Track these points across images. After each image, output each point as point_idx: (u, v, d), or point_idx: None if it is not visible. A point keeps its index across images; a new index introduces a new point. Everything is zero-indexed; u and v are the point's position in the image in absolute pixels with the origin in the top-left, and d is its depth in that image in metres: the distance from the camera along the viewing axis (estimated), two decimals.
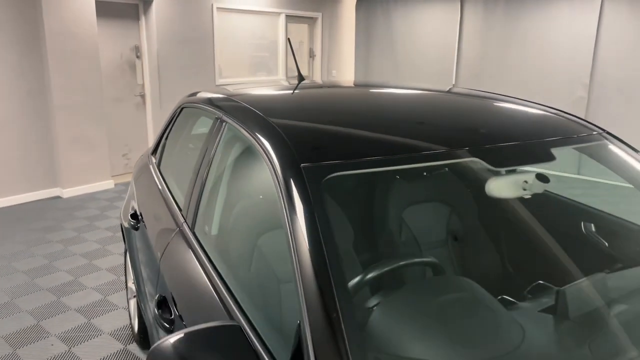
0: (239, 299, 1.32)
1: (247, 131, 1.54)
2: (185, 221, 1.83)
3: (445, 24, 7.59)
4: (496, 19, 7.13)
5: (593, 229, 2.01)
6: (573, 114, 1.92)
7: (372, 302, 1.27)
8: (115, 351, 2.82)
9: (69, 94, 5.34)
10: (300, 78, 2.46)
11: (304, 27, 8.42)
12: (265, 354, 1.11)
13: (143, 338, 2.74)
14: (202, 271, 1.52)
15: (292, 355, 1.03)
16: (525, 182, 1.40)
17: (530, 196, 1.43)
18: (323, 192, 1.22)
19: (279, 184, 1.26)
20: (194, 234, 1.73)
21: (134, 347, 2.85)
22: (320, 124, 1.54)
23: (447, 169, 2.01)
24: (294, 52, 2.55)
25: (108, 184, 5.82)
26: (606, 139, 1.74)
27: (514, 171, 1.48)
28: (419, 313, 1.22)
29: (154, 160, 2.69)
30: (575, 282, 1.36)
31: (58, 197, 5.51)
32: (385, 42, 8.31)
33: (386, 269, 1.34)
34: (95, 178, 5.71)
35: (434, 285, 1.37)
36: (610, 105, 6.39)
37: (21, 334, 2.97)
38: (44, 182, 5.46)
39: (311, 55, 8.59)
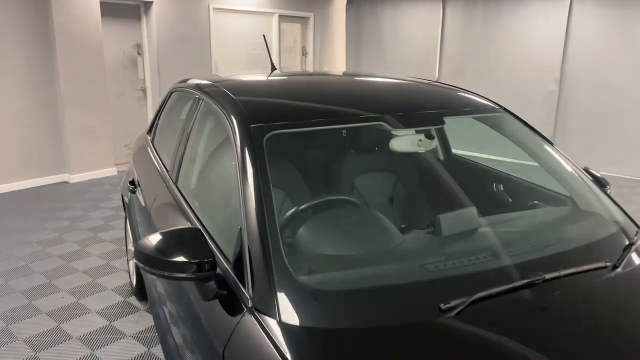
0: (202, 220, 1.81)
1: (216, 105, 2.01)
2: (171, 178, 2.31)
3: (429, 23, 8.04)
4: (475, 19, 7.59)
5: (502, 188, 2.48)
6: (495, 101, 2.39)
7: (290, 216, 1.75)
8: (117, 302, 3.30)
9: (76, 87, 5.84)
10: (273, 68, 2.94)
11: (296, 27, 8.89)
12: (217, 250, 1.60)
13: (140, 291, 3.22)
14: (180, 208, 2.00)
15: (235, 251, 1.52)
16: (420, 140, 1.87)
17: (423, 150, 1.91)
18: (265, 145, 1.69)
19: (234, 140, 1.74)
20: (177, 187, 2.21)
21: (132, 300, 3.33)
22: (271, 98, 2.03)
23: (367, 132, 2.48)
24: (269, 47, 3.02)
25: (111, 171, 6.32)
26: (504, 113, 2.21)
27: (417, 131, 1.95)
28: (328, 224, 1.70)
29: (148, 138, 3.17)
30: (456, 211, 1.83)
31: (66, 182, 6.00)
32: (373, 40, 8.77)
33: (313, 202, 1.82)
34: (100, 165, 6.21)
35: (346, 212, 1.85)
36: (579, 97, 6.84)
37: (36, 289, 3.45)
38: (53, 168, 5.95)
39: (304, 53, 9.07)
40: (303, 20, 8.90)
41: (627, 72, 6.40)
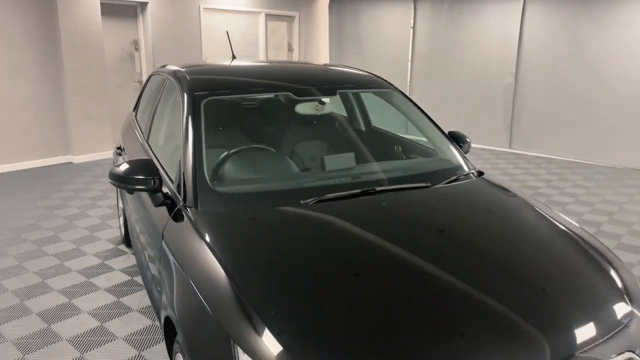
0: (159, 158, 2.59)
1: (176, 81, 2.78)
2: (144, 137, 3.09)
3: (401, 23, 8.79)
4: (441, 20, 8.34)
5: (400, 149, 3.23)
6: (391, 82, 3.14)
7: (221, 156, 2.52)
8: (110, 248, 4.09)
9: (79, 79, 6.63)
10: (233, 57, 3.70)
11: (283, 25, 9.65)
12: (165, 175, 2.38)
13: (126, 239, 4.00)
14: (146, 153, 2.78)
15: (176, 175, 2.28)
16: (316, 106, 2.64)
17: (319, 113, 2.68)
18: (202, 107, 2.46)
19: (182, 104, 2.51)
20: (147, 142, 2.99)
21: (122, 247, 4.11)
22: (214, 76, 2.80)
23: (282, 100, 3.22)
24: (231, 41, 3.76)
25: (110, 153, 7.11)
26: (396, 91, 2.96)
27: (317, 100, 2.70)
28: (242, 160, 2.47)
29: (133, 114, 3.95)
30: (339, 155, 2.59)
31: (70, 162, 6.81)
32: (353, 37, 9.53)
33: (240, 148, 2.59)
34: (100, 148, 7.00)
35: (259, 154, 2.62)
36: (533, 88, 7.57)
37: (43, 240, 4.24)
38: (59, 150, 6.76)
39: (290, 49, 9.83)
40: (289, 18, 9.66)
41: (574, 66, 7.12)
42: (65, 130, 6.77)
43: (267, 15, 9.10)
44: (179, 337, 1.74)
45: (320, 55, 10.07)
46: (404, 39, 8.82)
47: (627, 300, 1.78)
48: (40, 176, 6.13)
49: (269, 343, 1.43)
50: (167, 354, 2.30)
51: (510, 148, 7.98)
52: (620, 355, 1.57)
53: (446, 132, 2.90)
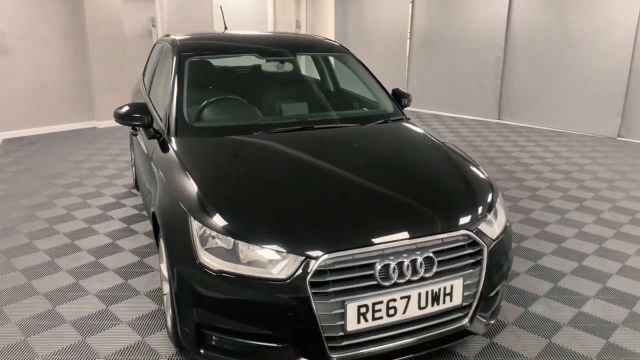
0: (154, 104, 3.32)
1: (170, 46, 3.49)
2: (147, 92, 3.83)
3: (401, 2, 9.31)
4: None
5: (357, 105, 3.89)
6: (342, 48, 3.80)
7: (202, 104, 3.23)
8: (123, 192, 4.88)
9: (102, 52, 7.42)
10: (225, 29, 4.39)
11: (291, 3, 10.26)
12: (156, 116, 3.11)
13: (136, 185, 4.78)
14: (148, 105, 3.52)
15: (164, 115, 3.01)
16: (277, 65, 3.33)
17: (281, 71, 3.38)
18: (186, 65, 3.16)
19: (172, 62, 3.22)
20: (149, 97, 3.73)
21: (135, 191, 4.90)
22: (204, 41, 3.51)
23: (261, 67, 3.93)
24: (224, 15, 4.46)
25: None
26: (349, 54, 3.62)
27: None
28: (216, 106, 3.19)
29: (141, 77, 4.70)
30: (294, 104, 3.28)
31: (95, 127, 7.65)
32: (356, 15, 10.08)
33: (214, 99, 3.29)
34: None
35: (230, 103, 3.32)
36: (520, 61, 8.06)
37: (69, 185, 5.06)
38: (85, 116, 7.60)
39: (297, 26, 10.44)
40: None
41: (557, 40, 7.58)
42: (89, 99, 7.59)
43: None
44: (159, 223, 2.48)
45: (327, 31, 10.65)
46: (403, 16, 9.34)
47: (481, 204, 2.43)
48: (68, 138, 6.99)
49: (211, 213, 2.15)
50: (169, 342, 2.56)
51: (499, 119, 8.50)
52: (458, 231, 2.23)
53: (388, 90, 3.55)
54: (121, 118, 2.94)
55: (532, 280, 3.26)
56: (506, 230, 2.50)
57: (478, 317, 2.34)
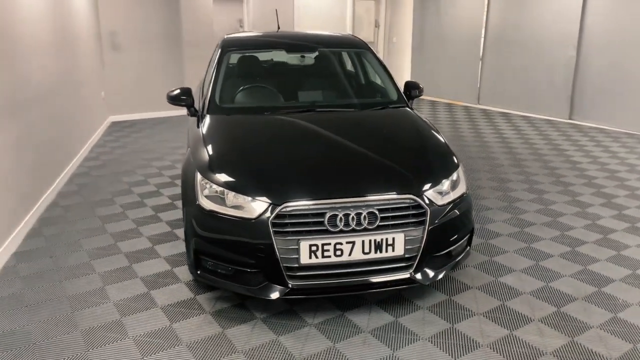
0: (203, 90, 4.08)
1: (220, 42, 4.24)
2: (202, 83, 4.64)
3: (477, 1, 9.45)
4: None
5: (380, 96, 4.37)
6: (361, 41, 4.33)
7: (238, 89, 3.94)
8: None
9: (194, 50, 8.51)
10: (278, 29, 5.09)
11: (371, 3, 10.77)
12: (200, 100, 3.87)
13: None
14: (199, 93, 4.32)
15: (203, 97, 3.75)
16: (300, 57, 3.95)
17: (302, 63, 4.00)
18: (224, 58, 3.89)
19: (216, 55, 3.97)
20: (203, 86, 4.53)
21: None
22: (243, 39, 4.24)
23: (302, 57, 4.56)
24: (278, 18, 5.23)
25: None
26: (368, 50, 4.15)
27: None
28: (247, 92, 3.88)
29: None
30: (310, 92, 3.87)
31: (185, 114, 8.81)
32: (434, 14, 10.34)
33: (247, 86, 3.98)
34: None
35: (259, 90, 3.98)
36: (594, 59, 7.88)
37: (149, 160, 6.08)
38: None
39: (376, 25, 10.93)
40: None
41: (636, 40, 7.33)
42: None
43: None
44: (181, 177, 3.21)
45: (405, 30, 11.03)
46: (479, 16, 9.46)
47: (432, 175, 2.87)
48: (162, 122, 8.16)
49: (210, 169, 2.83)
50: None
51: (570, 119, 8.35)
52: (403, 194, 2.70)
53: (396, 81, 4.01)
54: (171, 99, 3.72)
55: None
56: (462, 200, 2.91)
57: (426, 270, 2.79)
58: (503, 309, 2.93)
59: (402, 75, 11.40)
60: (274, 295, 2.65)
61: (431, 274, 2.83)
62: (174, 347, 2.59)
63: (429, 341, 2.64)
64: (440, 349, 2.58)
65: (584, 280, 3.25)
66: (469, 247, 3.11)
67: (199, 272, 2.84)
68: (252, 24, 9.19)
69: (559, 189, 4.98)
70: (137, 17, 8.11)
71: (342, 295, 2.96)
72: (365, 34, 10.84)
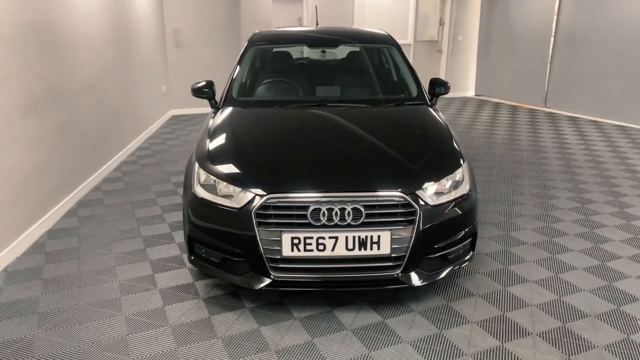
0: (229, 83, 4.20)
1: (249, 38, 4.34)
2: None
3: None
4: None
5: (405, 92, 4.27)
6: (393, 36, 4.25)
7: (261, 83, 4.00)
8: None
9: None
10: (317, 24, 5.11)
11: (436, 1, 10.48)
12: (221, 92, 3.99)
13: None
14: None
15: (224, 88, 3.86)
16: (322, 52, 3.94)
17: (323, 58, 3.99)
18: (249, 51, 3.98)
19: (243, 49, 4.07)
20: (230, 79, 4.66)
21: None
22: (272, 34, 4.30)
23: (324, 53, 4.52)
24: (317, 14, 5.25)
25: None
26: (394, 46, 4.06)
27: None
28: (267, 86, 3.92)
29: None
30: (327, 87, 3.85)
31: None
32: (502, 11, 9.88)
33: (267, 80, 4.04)
34: None
35: (280, 83, 4.00)
36: None
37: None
38: None
39: (441, 23, 10.62)
40: None
41: None
42: None
43: None
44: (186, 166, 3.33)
45: (471, 28, 10.62)
46: (549, 12, 8.91)
47: (428, 174, 2.76)
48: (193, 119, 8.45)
49: (207, 160, 2.90)
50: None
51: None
52: (391, 192, 2.62)
53: (420, 78, 3.88)
54: (194, 91, 3.86)
55: None
56: (463, 200, 2.77)
57: (417, 272, 2.69)
58: (501, 320, 2.76)
59: (468, 74, 11.00)
60: (258, 285, 2.68)
61: (422, 276, 2.72)
62: (159, 327, 2.69)
63: (410, 345, 2.54)
64: (419, 353, 2.48)
65: (604, 297, 2.97)
66: (472, 252, 2.96)
67: (192, 257, 2.93)
68: (311, 23, 9.28)
69: (607, 199, 4.59)
70: (200, 15, 8.47)
71: (327, 290, 2.93)
72: (430, 33, 10.57)
